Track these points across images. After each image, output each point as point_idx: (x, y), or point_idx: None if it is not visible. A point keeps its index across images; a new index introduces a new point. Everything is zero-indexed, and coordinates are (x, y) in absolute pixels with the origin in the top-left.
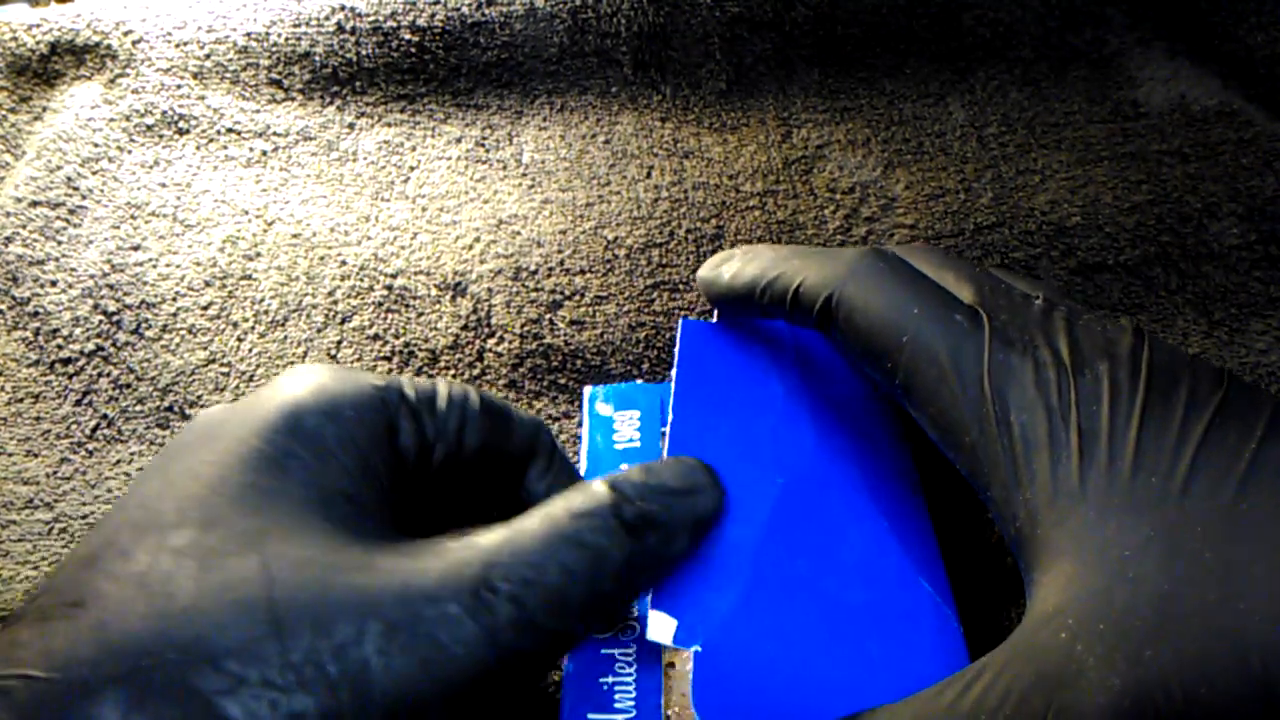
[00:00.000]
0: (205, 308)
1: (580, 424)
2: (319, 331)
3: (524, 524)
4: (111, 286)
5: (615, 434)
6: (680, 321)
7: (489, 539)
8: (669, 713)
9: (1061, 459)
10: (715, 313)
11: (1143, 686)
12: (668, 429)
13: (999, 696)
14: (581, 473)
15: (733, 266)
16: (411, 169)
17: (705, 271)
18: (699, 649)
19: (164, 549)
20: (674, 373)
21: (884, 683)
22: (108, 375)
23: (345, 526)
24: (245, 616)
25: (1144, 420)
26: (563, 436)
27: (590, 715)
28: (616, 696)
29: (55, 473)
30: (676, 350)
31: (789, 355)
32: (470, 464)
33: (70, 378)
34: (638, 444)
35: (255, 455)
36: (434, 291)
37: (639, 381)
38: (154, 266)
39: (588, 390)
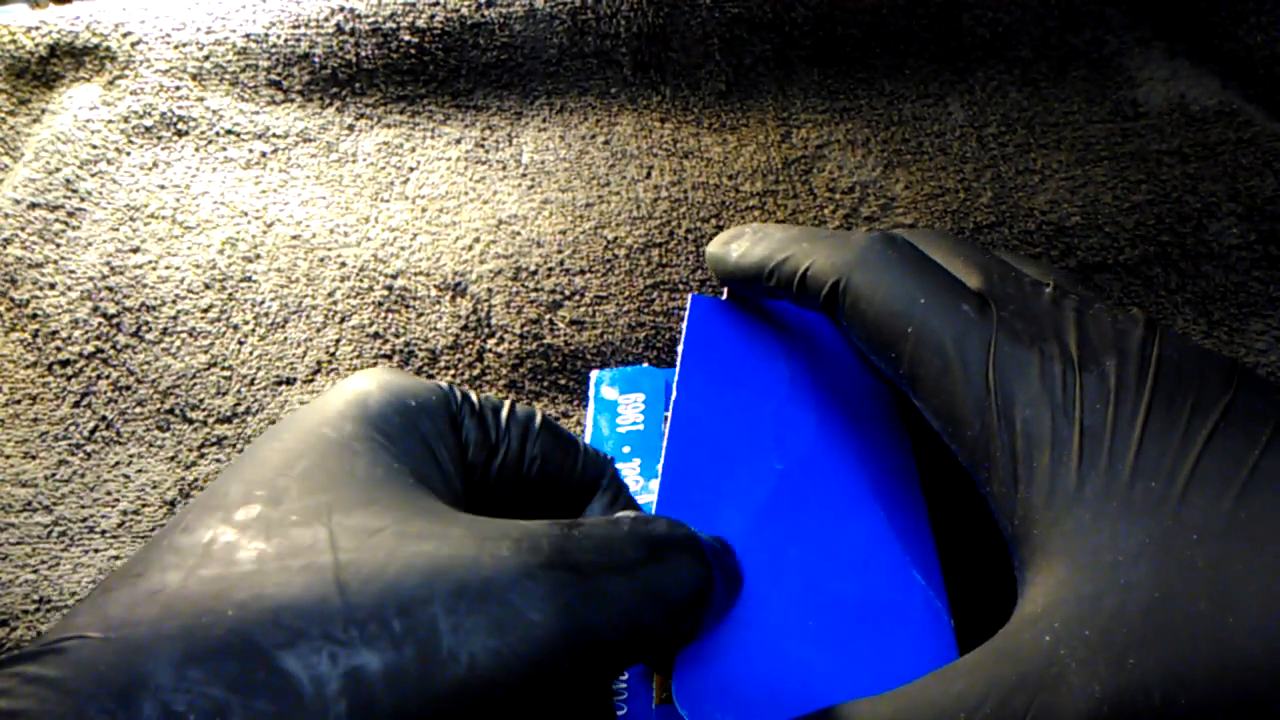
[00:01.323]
0: (205, 310)
1: (579, 422)
2: (318, 332)
3: (611, 518)
4: (111, 289)
5: (619, 416)
6: (690, 296)
7: (568, 523)
8: (662, 695)
9: (1062, 458)
10: (725, 290)
11: (1123, 694)
12: (671, 404)
13: (980, 695)
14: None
15: (741, 245)
16: (411, 170)
17: (714, 248)
18: None
19: (229, 523)
20: (680, 348)
21: (871, 673)
22: (107, 377)
23: (414, 503)
24: (308, 577)
25: (1148, 422)
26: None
27: None
28: None
29: (53, 475)
30: (684, 325)
31: (795, 338)
32: (532, 483)
33: (69, 379)
34: (641, 426)
35: (322, 441)
36: (434, 292)
37: (645, 365)
38: (153, 269)
39: (594, 374)
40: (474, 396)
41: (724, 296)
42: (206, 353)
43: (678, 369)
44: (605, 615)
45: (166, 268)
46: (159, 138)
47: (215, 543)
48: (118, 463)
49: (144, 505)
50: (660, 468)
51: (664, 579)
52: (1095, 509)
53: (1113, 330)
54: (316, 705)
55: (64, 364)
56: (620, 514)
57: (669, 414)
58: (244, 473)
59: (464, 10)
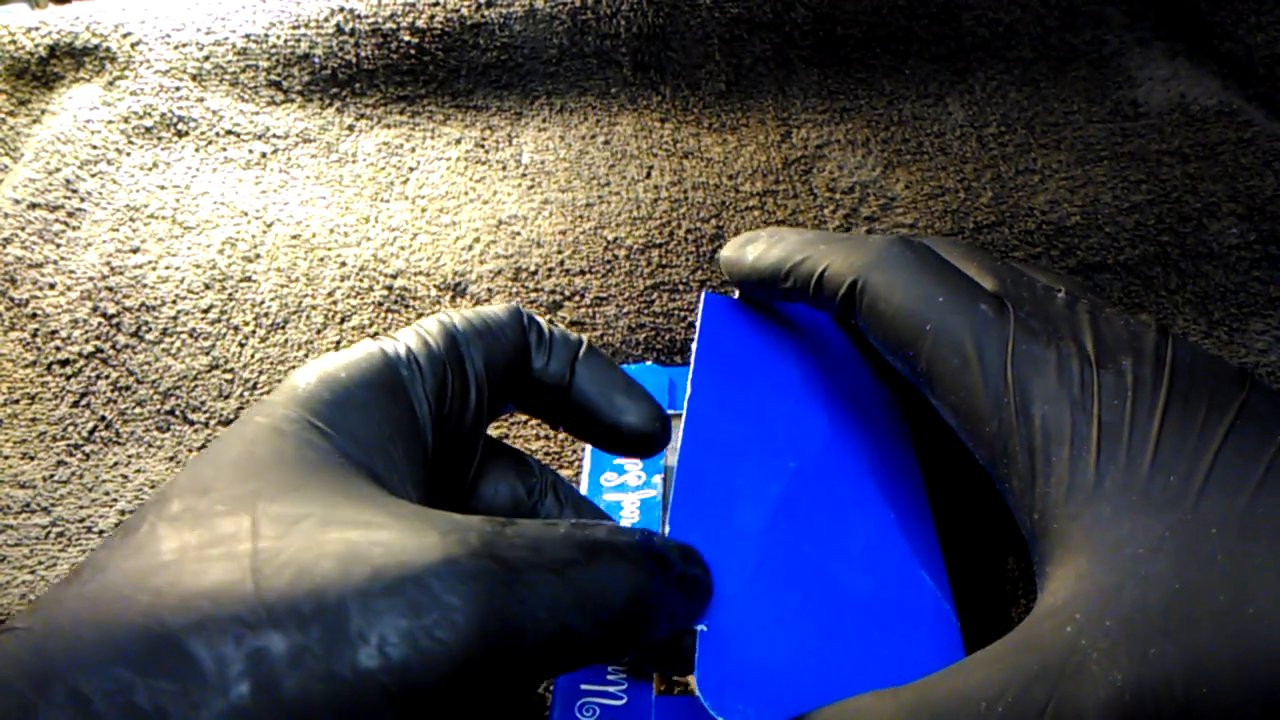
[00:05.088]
0: (205, 310)
1: None
2: (319, 333)
3: (549, 520)
4: (110, 289)
5: None
6: (703, 294)
7: (503, 521)
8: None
9: (1081, 453)
10: (737, 291)
11: (1145, 683)
12: (685, 401)
13: (1000, 684)
14: (585, 450)
15: (757, 248)
16: (411, 170)
17: (729, 251)
18: (704, 629)
19: (161, 518)
20: (694, 345)
21: (882, 670)
22: (106, 377)
23: (344, 488)
24: (225, 564)
25: (1165, 418)
26: (563, 435)
27: (583, 686)
28: (609, 669)
29: (52, 476)
30: (698, 323)
31: (803, 340)
32: (574, 410)
33: (68, 379)
34: None
35: (253, 428)
36: (434, 292)
37: (648, 363)
38: (153, 269)
39: None
40: (427, 347)
41: (735, 296)
42: (208, 355)
43: (691, 366)
44: (529, 611)
45: (166, 268)
46: (159, 138)
47: (144, 537)
48: (116, 463)
49: (141, 505)
50: (665, 463)
51: (595, 584)
52: (1115, 503)
53: (1126, 332)
54: (218, 685)
55: (63, 364)
56: (562, 520)
57: (673, 412)
58: (185, 470)
59: (464, 10)
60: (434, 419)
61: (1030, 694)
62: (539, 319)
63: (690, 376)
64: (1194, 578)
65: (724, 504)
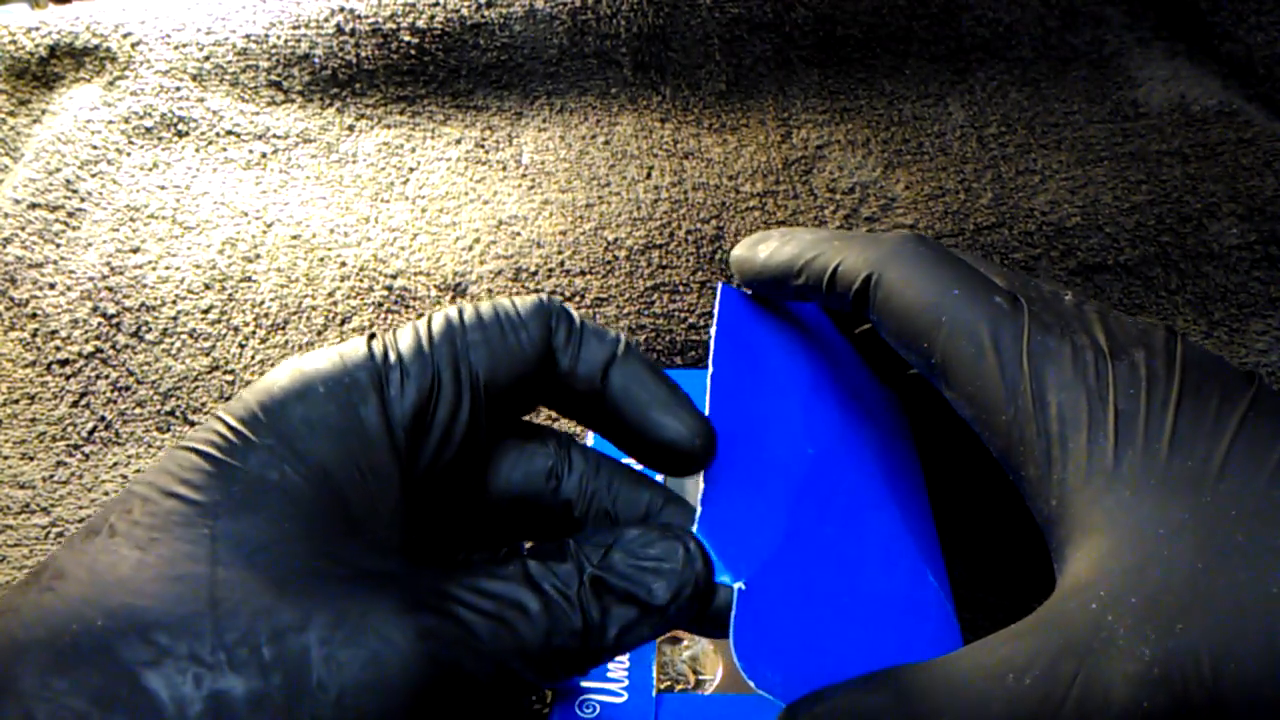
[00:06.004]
0: (206, 311)
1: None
2: (319, 334)
3: (498, 565)
4: (110, 289)
5: None
6: (720, 285)
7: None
8: (710, 675)
9: (1098, 438)
10: (748, 292)
11: (1172, 658)
12: (709, 382)
13: (1027, 658)
14: (589, 444)
15: (769, 246)
16: (411, 170)
17: (740, 250)
18: (742, 586)
19: (124, 520)
20: (713, 331)
21: (888, 659)
22: (106, 377)
23: (304, 514)
24: (182, 591)
25: (1180, 407)
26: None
27: (584, 683)
28: (610, 666)
29: (52, 476)
30: (715, 312)
31: (811, 340)
32: (501, 398)
33: (68, 379)
34: None
35: (220, 429)
36: (434, 292)
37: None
38: (153, 269)
39: None
40: (392, 357)
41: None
42: (208, 355)
43: (711, 355)
44: (480, 665)
45: (166, 268)
46: (159, 138)
47: (101, 545)
48: (116, 463)
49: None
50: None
51: (540, 634)
52: (1134, 486)
53: (1136, 330)
54: None
55: (63, 364)
56: (527, 562)
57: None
58: (151, 469)
59: (464, 10)
60: (409, 426)
61: (1057, 667)
62: (572, 312)
63: (711, 358)
64: (1216, 557)
65: (755, 479)
